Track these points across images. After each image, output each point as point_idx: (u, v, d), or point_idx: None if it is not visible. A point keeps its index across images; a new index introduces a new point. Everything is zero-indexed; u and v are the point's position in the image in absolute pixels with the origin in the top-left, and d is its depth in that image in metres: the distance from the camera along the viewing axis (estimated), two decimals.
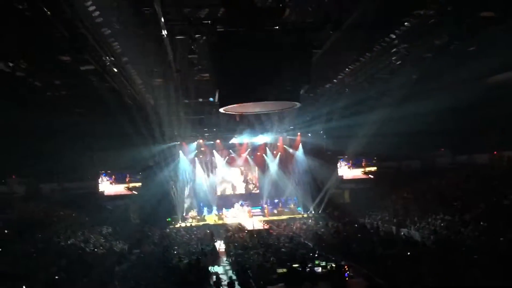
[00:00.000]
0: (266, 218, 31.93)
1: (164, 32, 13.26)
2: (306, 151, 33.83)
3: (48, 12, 11.45)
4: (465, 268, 13.54)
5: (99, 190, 31.04)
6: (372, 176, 33.31)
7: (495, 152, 28.47)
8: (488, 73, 21.01)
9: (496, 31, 14.91)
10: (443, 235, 19.74)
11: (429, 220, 22.14)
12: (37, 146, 24.42)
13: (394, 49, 16.49)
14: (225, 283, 16.25)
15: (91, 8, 11.88)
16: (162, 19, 12.34)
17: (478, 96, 22.66)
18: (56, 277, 16.02)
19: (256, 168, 35.97)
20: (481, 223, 18.91)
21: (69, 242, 21.33)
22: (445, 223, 20.81)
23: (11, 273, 15.31)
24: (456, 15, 13.97)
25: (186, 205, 33.70)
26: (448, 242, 18.64)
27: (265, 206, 33.79)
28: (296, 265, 16.46)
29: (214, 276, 17.23)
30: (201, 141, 33.70)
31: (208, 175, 35.17)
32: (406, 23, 14.31)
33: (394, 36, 15.30)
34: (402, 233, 22.54)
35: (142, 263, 20.06)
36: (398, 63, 18.13)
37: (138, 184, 31.68)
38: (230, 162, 35.61)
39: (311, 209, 33.30)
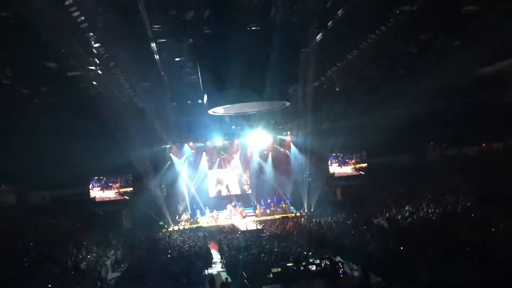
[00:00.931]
0: (259, 218, 31.90)
1: (150, 35, 13.21)
2: (297, 150, 33.86)
3: (32, 19, 11.38)
4: (458, 262, 13.62)
5: (90, 196, 30.90)
6: (363, 173, 33.45)
7: (483, 144, 28.71)
8: (475, 67, 21.18)
9: (481, 25, 15.02)
10: (436, 228, 19.81)
11: (420, 214, 22.25)
12: (26, 154, 24.22)
13: (380, 45, 16.55)
14: (220, 284, 16.21)
15: (75, 14, 11.78)
16: (148, 22, 12.29)
17: (466, 89, 22.89)
18: (50, 285, 15.89)
19: (248, 168, 35.90)
20: (473, 215, 19.04)
21: (61, 250, 21.15)
22: (437, 217, 20.91)
23: (4, 283, 15.18)
24: (440, 10, 14.07)
25: (178, 208, 33.54)
26: (441, 236, 18.73)
27: (257, 206, 33.74)
28: (290, 264, 16.48)
29: (209, 278, 17.19)
30: (191, 143, 33.59)
31: (200, 177, 35.02)
32: (391, 19, 14.35)
33: (380, 33, 15.34)
34: (392, 230, 22.56)
35: (135, 268, 19.95)
36: (384, 59, 18.22)
37: (129, 189, 31.58)
38: (222, 164, 35.54)
39: (304, 207, 33.32)
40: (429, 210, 22.14)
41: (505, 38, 16.25)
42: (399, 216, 23.59)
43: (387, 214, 24.70)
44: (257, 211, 33.28)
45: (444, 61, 18.81)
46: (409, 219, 22.52)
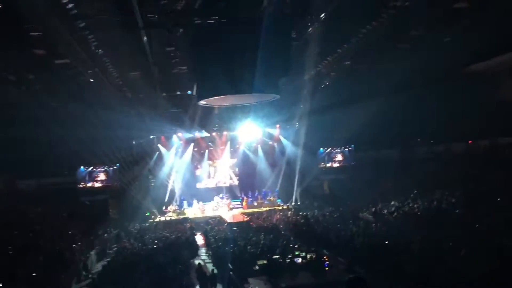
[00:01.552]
0: (245, 211, 31.92)
1: (140, 25, 13.10)
2: (285, 143, 33.93)
3: (20, 6, 11.23)
4: (443, 256, 13.77)
5: (77, 185, 30.74)
6: (350, 167, 33.68)
7: (470, 141, 28.94)
8: (464, 63, 21.31)
9: (471, 21, 15.11)
10: (421, 222, 20.00)
11: (406, 209, 22.43)
12: (12, 142, 23.97)
13: (371, 40, 16.58)
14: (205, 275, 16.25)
15: (65, 1, 11.63)
16: (138, 11, 12.19)
17: (454, 85, 23.02)
18: (34, 274, 15.80)
19: (236, 160, 35.87)
20: (458, 211, 19.24)
21: (46, 238, 21.01)
22: (424, 211, 21.10)
23: None
24: (431, 6, 14.13)
25: (165, 199, 33.43)
26: (426, 230, 18.94)
27: (244, 198, 33.72)
28: (276, 256, 16.54)
29: (195, 269, 17.21)
30: (180, 134, 33.46)
31: (187, 169, 34.91)
32: (383, 14, 14.37)
33: (371, 27, 15.36)
34: (378, 224, 22.74)
35: (121, 258, 19.89)
36: (375, 54, 18.26)
37: (116, 179, 31.45)
38: (210, 155, 35.45)
39: (291, 200, 33.40)
40: (415, 205, 22.33)
41: (494, 35, 16.39)
42: (386, 211, 23.77)
43: (373, 209, 24.90)
44: (243, 203, 33.28)
45: (434, 57, 18.91)
46: (395, 214, 22.71)
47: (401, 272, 13.41)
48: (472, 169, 23.52)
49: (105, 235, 25.58)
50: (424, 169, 27.80)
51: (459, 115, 25.11)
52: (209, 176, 35.54)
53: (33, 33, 13.41)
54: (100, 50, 15.87)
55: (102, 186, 31.29)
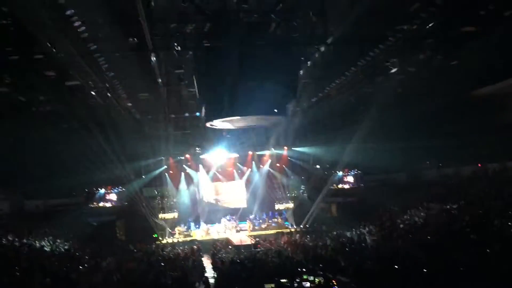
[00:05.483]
0: (253, 233, 31.67)
1: (150, 47, 13.28)
2: (293, 165, 33.85)
3: (33, 28, 11.42)
4: (454, 282, 13.54)
5: (84, 206, 30.82)
6: (360, 189, 33.53)
7: (479, 165, 28.72)
8: (471, 87, 21.31)
9: (478, 45, 15.15)
10: (431, 247, 19.72)
11: (416, 234, 22.17)
12: (21, 162, 24.12)
13: (379, 63, 16.65)
14: None
15: (77, 24, 11.83)
16: (148, 34, 12.36)
17: (463, 109, 22.98)
18: None
19: (243, 182, 35.78)
20: (471, 236, 18.97)
21: (53, 260, 20.95)
22: (432, 237, 20.83)
23: None
24: (438, 29, 14.20)
25: (172, 221, 33.31)
26: (436, 255, 18.64)
27: (248, 221, 33.40)
28: (284, 280, 16.34)
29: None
30: (187, 155, 33.53)
31: (195, 190, 34.88)
32: (390, 38, 14.46)
33: (378, 51, 15.44)
34: (386, 246, 22.45)
35: (127, 280, 19.73)
36: (383, 77, 18.31)
37: (124, 200, 31.54)
38: (217, 177, 35.41)
39: (299, 223, 33.14)
40: (424, 229, 22.06)
41: (503, 58, 16.42)
42: (395, 234, 23.49)
43: (382, 232, 24.62)
44: (248, 225, 32.97)
45: (442, 81, 18.93)
46: (404, 238, 22.43)
47: None
48: (481, 193, 23.27)
49: (111, 256, 25.44)
50: (433, 193, 27.56)
51: (468, 138, 24.99)
52: (216, 198, 35.46)
53: (45, 55, 13.59)
54: (111, 72, 16.06)
55: (110, 207, 31.37)
